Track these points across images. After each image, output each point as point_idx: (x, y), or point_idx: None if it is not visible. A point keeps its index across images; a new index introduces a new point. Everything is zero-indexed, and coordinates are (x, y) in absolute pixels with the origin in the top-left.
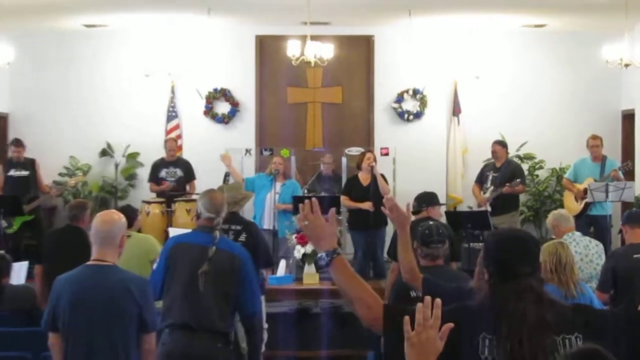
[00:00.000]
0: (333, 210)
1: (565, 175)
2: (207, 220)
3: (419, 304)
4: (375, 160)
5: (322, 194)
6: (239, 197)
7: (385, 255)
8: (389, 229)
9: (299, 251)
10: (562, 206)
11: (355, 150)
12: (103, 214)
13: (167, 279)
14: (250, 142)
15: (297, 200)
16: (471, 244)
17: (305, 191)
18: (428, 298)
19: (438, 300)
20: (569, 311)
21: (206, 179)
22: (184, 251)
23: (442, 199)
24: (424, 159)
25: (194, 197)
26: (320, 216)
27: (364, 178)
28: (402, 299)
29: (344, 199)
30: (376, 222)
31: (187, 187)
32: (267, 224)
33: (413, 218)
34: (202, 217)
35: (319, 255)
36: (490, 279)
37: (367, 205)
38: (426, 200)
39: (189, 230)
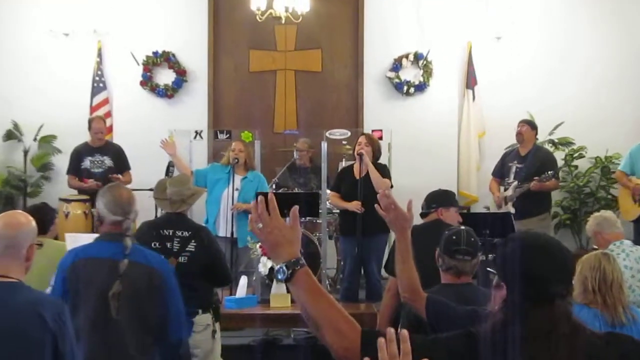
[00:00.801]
0: (296, 208)
1: (619, 167)
2: (113, 225)
3: (380, 339)
4: (369, 144)
5: (296, 190)
6: (186, 193)
7: (382, 271)
8: (391, 237)
9: (265, 265)
10: (608, 206)
11: (339, 134)
12: (5, 216)
13: (68, 307)
14: (202, 122)
15: (260, 196)
16: (489, 256)
17: (274, 187)
18: (391, 330)
19: (404, 332)
20: (601, 342)
21: (143, 171)
22: (87, 268)
23: None
24: (428, 144)
25: None
26: (278, 216)
27: (358, 170)
28: (413, 327)
29: (332, 196)
30: (370, 227)
31: (120, 180)
32: (223, 229)
33: (419, 221)
34: (106, 221)
35: (277, 267)
36: (508, 298)
37: (353, 206)
38: (438, 199)
39: (92, 240)
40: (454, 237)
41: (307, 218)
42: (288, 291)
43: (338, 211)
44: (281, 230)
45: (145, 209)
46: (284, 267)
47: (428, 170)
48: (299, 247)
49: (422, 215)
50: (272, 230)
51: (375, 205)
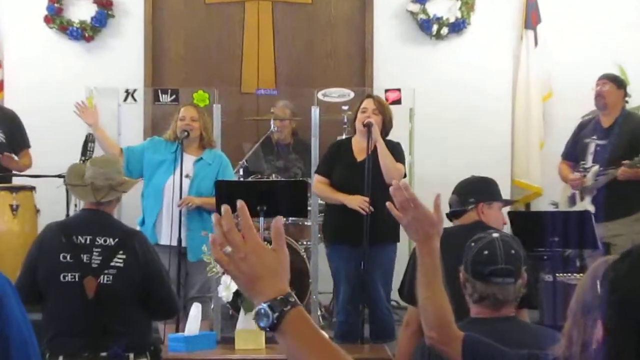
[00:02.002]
0: (279, 219)
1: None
2: None
3: None
4: (380, 111)
5: (273, 176)
6: (116, 177)
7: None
8: (403, 247)
9: (227, 288)
10: None
11: (337, 95)
12: None
13: None
14: (135, 77)
15: (222, 188)
16: (557, 275)
17: (241, 172)
18: None
19: None
20: None
21: (49, 149)
22: None
23: (503, 188)
24: (467, 111)
25: (26, 179)
26: (253, 234)
27: (359, 148)
28: None
29: (318, 182)
30: (376, 233)
31: (13, 163)
32: (166, 235)
33: (448, 224)
34: None
35: (257, 308)
36: (612, 344)
37: (355, 202)
38: (476, 191)
39: None
40: (486, 253)
41: (290, 219)
42: (260, 327)
43: (323, 207)
44: (261, 256)
45: (54, 204)
46: (268, 309)
47: (467, 149)
48: (288, 278)
49: (454, 214)
50: (246, 256)
51: (387, 204)
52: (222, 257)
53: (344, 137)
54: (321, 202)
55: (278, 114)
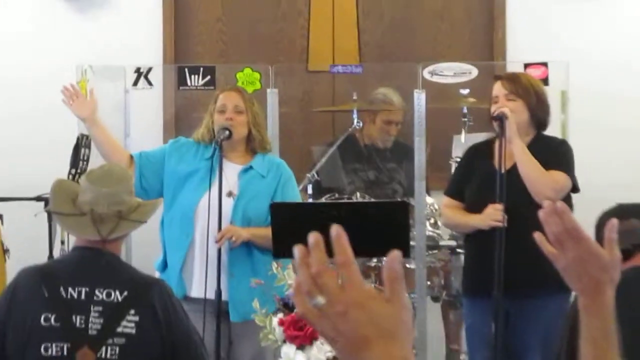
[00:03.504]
0: (395, 256)
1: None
2: None
3: None
4: (516, 94)
5: (359, 196)
6: (124, 204)
7: None
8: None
9: None
10: None
11: (452, 72)
12: None
13: None
14: (151, 51)
15: (282, 213)
16: None
17: (309, 189)
18: None
19: None
20: None
21: (24, 158)
22: None
23: None
24: None
25: None
26: (357, 278)
27: (501, 153)
28: None
29: (448, 209)
30: (530, 277)
31: None
32: (199, 284)
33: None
34: None
35: None
36: None
37: (486, 218)
38: None
39: None
40: None
41: (385, 259)
42: None
43: (455, 240)
44: (369, 310)
45: (30, 241)
46: None
47: None
48: (412, 341)
49: (627, 253)
50: (347, 311)
51: (535, 235)
52: (310, 312)
53: (463, 136)
54: (432, 232)
55: (389, 117)
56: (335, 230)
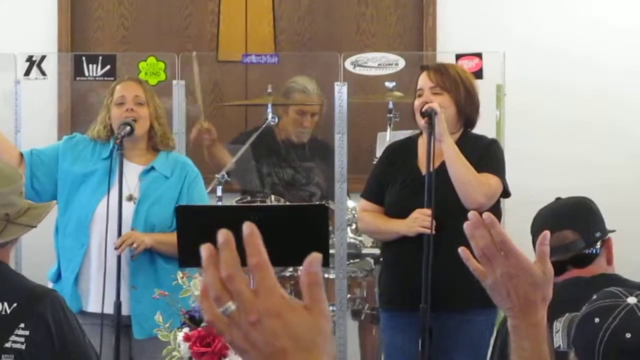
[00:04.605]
0: (314, 259)
1: None
2: None
3: None
4: (445, 88)
5: (273, 199)
6: (12, 206)
7: None
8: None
9: None
10: None
11: (376, 63)
12: None
13: None
14: (45, 38)
15: (189, 217)
16: None
17: (219, 191)
18: None
19: None
20: None
21: None
22: None
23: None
24: (589, 89)
25: None
26: (273, 282)
27: (424, 155)
28: None
29: (366, 214)
30: (455, 291)
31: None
32: (96, 297)
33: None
34: None
35: None
36: None
37: (413, 224)
38: (599, 220)
39: None
40: (629, 336)
41: (301, 268)
42: None
43: (374, 248)
44: (285, 319)
45: None
46: None
47: (600, 156)
48: (333, 354)
49: (577, 262)
50: (260, 319)
51: (460, 250)
52: (219, 320)
53: (388, 134)
54: (354, 239)
55: (303, 108)
56: (248, 228)
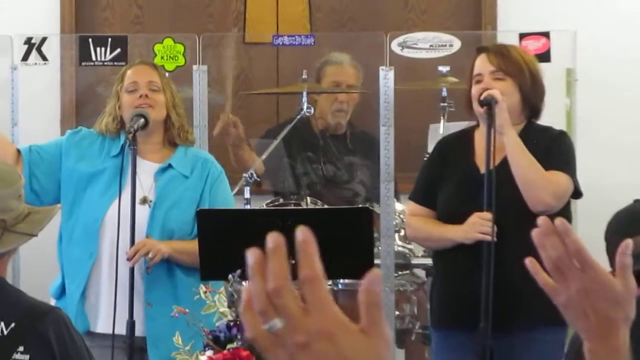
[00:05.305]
0: (374, 276)
1: None
2: None
3: None
4: (507, 72)
5: (309, 202)
6: (10, 211)
7: None
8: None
9: None
10: None
11: (427, 43)
12: None
13: None
14: (45, 17)
15: (211, 223)
16: None
17: (247, 192)
18: None
19: None
20: None
21: None
22: None
23: None
24: None
25: None
26: (325, 299)
27: (482, 150)
28: None
29: (414, 219)
30: (517, 308)
31: None
32: (106, 315)
33: None
34: None
35: None
36: None
37: (470, 230)
38: None
39: None
40: None
41: (342, 282)
42: None
43: (426, 258)
44: (339, 343)
45: None
46: None
47: None
48: None
49: None
50: (308, 343)
51: (527, 261)
52: (263, 337)
53: (441, 126)
54: (403, 248)
55: (338, 79)
56: (303, 233)
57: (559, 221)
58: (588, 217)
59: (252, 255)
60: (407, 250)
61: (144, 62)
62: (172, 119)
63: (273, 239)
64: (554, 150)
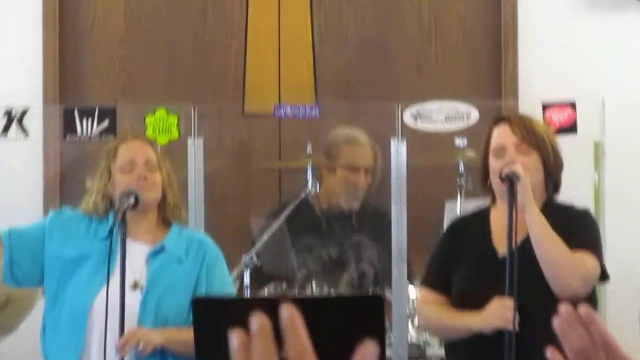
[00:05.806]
0: (370, 349)
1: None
2: None
3: None
4: (529, 145)
5: (314, 287)
6: None
7: None
8: None
9: None
10: None
11: (442, 115)
12: None
13: None
14: (27, 87)
15: (208, 312)
16: None
17: (247, 278)
18: None
19: None
20: None
21: None
22: None
23: None
24: None
25: None
26: None
27: (503, 228)
28: None
29: (428, 306)
30: None
31: None
32: None
33: None
34: None
35: None
36: None
37: (494, 316)
38: None
39: None
40: None
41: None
42: None
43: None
44: None
45: None
46: None
47: None
48: None
49: None
50: None
51: (549, 351)
52: None
53: (459, 204)
54: (417, 338)
55: (355, 161)
56: (288, 310)
57: (584, 310)
58: (618, 303)
59: (235, 337)
60: (422, 342)
61: (138, 137)
62: (168, 199)
63: (257, 319)
64: (578, 230)
